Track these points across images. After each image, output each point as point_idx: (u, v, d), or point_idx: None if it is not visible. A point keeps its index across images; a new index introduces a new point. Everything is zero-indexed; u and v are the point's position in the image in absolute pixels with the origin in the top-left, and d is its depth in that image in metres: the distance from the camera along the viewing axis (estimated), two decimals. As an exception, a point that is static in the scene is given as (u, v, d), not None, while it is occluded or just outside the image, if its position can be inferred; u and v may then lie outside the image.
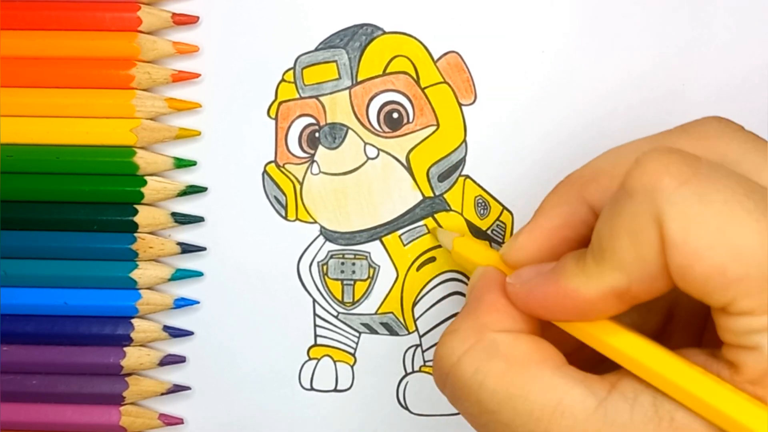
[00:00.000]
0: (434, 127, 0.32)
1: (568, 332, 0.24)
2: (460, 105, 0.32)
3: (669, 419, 0.21)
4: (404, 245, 0.32)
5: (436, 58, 0.32)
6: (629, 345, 0.22)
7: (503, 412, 0.23)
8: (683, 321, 0.26)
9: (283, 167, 0.32)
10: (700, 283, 0.20)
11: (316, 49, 0.32)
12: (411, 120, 0.32)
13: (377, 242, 0.32)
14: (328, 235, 0.32)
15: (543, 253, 0.25)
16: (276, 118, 0.32)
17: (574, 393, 0.22)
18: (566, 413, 0.22)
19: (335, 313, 0.33)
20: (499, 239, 0.32)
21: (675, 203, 0.20)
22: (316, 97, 0.32)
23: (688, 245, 0.20)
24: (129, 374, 0.32)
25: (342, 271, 0.32)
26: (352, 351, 0.33)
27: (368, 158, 0.32)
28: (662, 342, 0.23)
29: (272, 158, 0.32)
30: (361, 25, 0.32)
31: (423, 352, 0.33)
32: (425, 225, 0.32)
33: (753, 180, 0.22)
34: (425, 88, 0.32)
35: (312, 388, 0.33)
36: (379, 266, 0.32)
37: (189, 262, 0.33)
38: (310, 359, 0.33)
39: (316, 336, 0.33)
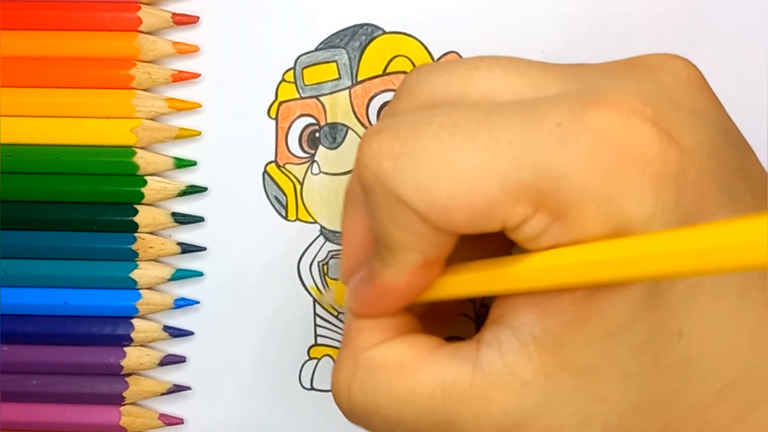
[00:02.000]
0: (434, 127, 0.32)
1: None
2: (460, 105, 0.32)
3: (531, 340, 0.21)
4: None
5: (436, 58, 0.32)
6: (461, 280, 0.23)
7: (406, 419, 0.23)
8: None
9: (284, 167, 0.32)
10: (468, 226, 0.21)
11: (316, 49, 0.32)
12: (411, 120, 0.32)
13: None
14: (328, 235, 0.32)
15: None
16: (276, 118, 0.32)
17: (451, 369, 0.22)
18: (452, 391, 0.22)
19: (335, 313, 0.33)
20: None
21: (402, 181, 0.21)
22: (317, 97, 0.32)
23: (435, 206, 0.21)
24: (129, 374, 0.32)
25: (342, 271, 0.32)
26: (352, 351, 0.33)
27: (368, 158, 0.32)
28: None
29: (272, 158, 0.32)
30: (361, 25, 0.32)
31: (423, 352, 0.33)
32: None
33: (461, 105, 0.22)
34: (425, 88, 0.32)
35: (312, 388, 0.33)
36: (379, 266, 0.32)
37: (189, 262, 0.33)
38: (310, 359, 0.33)
39: (316, 336, 0.33)
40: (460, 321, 0.29)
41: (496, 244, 0.26)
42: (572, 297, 0.21)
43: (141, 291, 0.32)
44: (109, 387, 0.32)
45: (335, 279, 0.32)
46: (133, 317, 0.32)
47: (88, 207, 0.32)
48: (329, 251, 0.32)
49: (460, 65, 0.24)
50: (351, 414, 0.24)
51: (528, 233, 0.21)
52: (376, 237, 0.24)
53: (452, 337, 0.25)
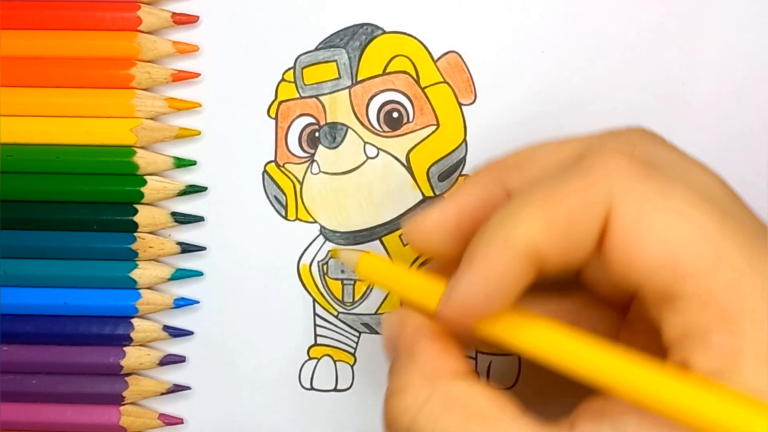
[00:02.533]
0: (434, 127, 0.32)
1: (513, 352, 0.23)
2: (460, 105, 0.32)
3: None
4: (404, 245, 0.32)
5: (436, 58, 0.32)
6: (563, 344, 0.22)
7: None
8: (597, 311, 0.26)
9: (283, 167, 0.32)
10: (648, 268, 0.21)
11: (316, 49, 0.32)
12: (411, 120, 0.32)
13: (377, 242, 0.32)
14: (328, 234, 0.32)
15: (449, 231, 0.25)
16: (276, 118, 0.32)
17: None
18: None
19: (335, 313, 0.33)
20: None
21: (634, 191, 0.21)
22: (316, 96, 0.32)
23: (643, 230, 0.21)
24: (129, 374, 0.32)
25: (342, 271, 0.32)
26: (352, 351, 0.33)
27: (368, 158, 0.32)
28: None
29: (272, 158, 0.32)
30: (361, 25, 0.32)
31: (423, 351, 0.32)
32: (329, 252, 0.32)
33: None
34: (425, 87, 0.32)
35: (312, 388, 0.33)
36: (379, 266, 0.32)
37: (189, 262, 0.33)
38: (310, 359, 0.33)
39: (316, 336, 0.33)
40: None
41: (607, 322, 0.26)
42: None
43: (141, 291, 0.32)
44: (109, 387, 0.32)
45: (336, 279, 0.32)
46: (133, 317, 0.32)
47: (88, 207, 0.32)
48: (329, 251, 0.32)
49: (688, 156, 0.24)
50: None
51: (690, 320, 0.21)
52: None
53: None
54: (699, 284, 0.20)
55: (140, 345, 0.32)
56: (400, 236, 0.32)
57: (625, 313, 0.26)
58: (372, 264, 0.27)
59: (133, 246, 0.32)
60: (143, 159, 0.32)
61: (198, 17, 0.32)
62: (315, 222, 0.32)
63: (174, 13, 0.32)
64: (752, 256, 0.21)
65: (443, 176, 0.32)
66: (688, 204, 0.21)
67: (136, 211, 0.32)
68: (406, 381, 0.23)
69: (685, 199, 0.21)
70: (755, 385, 0.20)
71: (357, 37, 0.32)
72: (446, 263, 0.25)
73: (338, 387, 0.33)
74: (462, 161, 0.32)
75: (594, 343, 0.22)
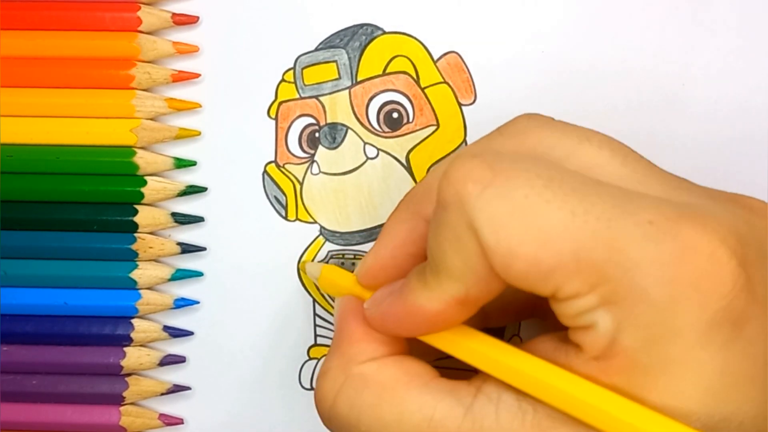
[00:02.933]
0: (434, 127, 0.32)
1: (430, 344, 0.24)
2: (460, 105, 0.32)
3: (532, 412, 0.22)
4: None
5: (436, 58, 0.32)
6: (478, 347, 0.23)
7: None
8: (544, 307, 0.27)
9: (283, 167, 0.32)
10: (522, 279, 0.21)
11: (316, 49, 0.32)
12: (411, 120, 0.32)
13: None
14: (328, 235, 0.32)
15: (390, 271, 0.26)
16: (276, 118, 0.32)
17: (443, 406, 0.23)
18: (438, 427, 0.22)
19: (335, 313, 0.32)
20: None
21: (481, 208, 0.21)
22: (316, 97, 0.32)
23: (501, 246, 0.21)
24: (129, 374, 0.32)
25: (342, 271, 0.32)
26: (352, 351, 0.33)
27: (368, 158, 0.32)
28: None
29: (272, 158, 0.32)
30: (361, 25, 0.32)
31: (423, 352, 0.33)
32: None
33: (562, 165, 0.22)
34: (425, 88, 0.32)
35: (312, 388, 0.33)
36: (379, 266, 0.32)
37: (189, 262, 0.33)
38: (310, 359, 0.33)
39: (316, 336, 0.33)
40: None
41: (515, 309, 0.26)
42: None
43: (141, 291, 0.32)
44: (109, 387, 0.32)
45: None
46: (133, 317, 0.32)
47: (88, 207, 0.32)
48: (329, 251, 0.32)
49: (574, 130, 0.24)
50: (330, 421, 0.25)
51: (573, 308, 0.21)
52: (423, 247, 0.24)
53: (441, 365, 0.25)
54: (570, 281, 0.21)
55: (140, 345, 0.32)
56: (400, 236, 0.32)
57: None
58: (330, 274, 0.29)
59: (133, 246, 0.32)
60: (143, 159, 0.32)
61: (198, 17, 0.32)
62: (315, 222, 0.32)
63: (174, 14, 0.32)
64: (613, 229, 0.20)
65: (443, 176, 0.32)
66: (533, 200, 0.21)
67: (136, 212, 0.32)
68: (329, 364, 0.25)
69: (530, 195, 0.21)
70: (633, 359, 0.21)
71: (357, 38, 0.32)
72: None
73: (338, 387, 0.33)
74: (462, 161, 0.32)
75: (481, 339, 0.23)
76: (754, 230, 0.22)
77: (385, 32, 0.32)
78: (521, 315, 0.29)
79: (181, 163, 0.32)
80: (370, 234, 0.32)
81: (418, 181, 0.32)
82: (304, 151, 0.32)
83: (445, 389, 0.23)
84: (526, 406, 0.22)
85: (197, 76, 0.32)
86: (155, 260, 0.32)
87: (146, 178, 0.32)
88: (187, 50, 0.32)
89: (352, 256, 0.32)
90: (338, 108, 0.32)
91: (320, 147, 0.32)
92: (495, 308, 0.24)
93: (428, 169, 0.32)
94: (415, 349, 0.25)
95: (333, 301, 0.32)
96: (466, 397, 0.23)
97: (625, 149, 0.24)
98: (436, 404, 0.23)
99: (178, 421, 0.33)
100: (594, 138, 0.24)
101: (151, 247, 0.32)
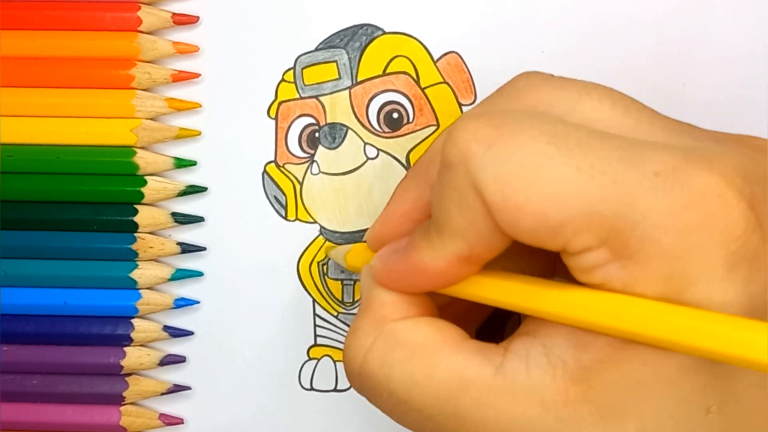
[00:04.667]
0: (434, 127, 0.32)
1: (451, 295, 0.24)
2: (460, 105, 0.32)
3: (561, 365, 0.21)
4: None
5: (436, 58, 0.32)
6: (498, 286, 0.23)
7: (413, 399, 0.23)
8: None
9: (283, 167, 0.32)
10: (531, 235, 0.21)
11: (316, 49, 0.32)
12: (411, 120, 0.32)
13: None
14: (328, 235, 0.32)
15: (397, 237, 0.26)
16: (276, 118, 0.32)
17: (473, 365, 0.23)
18: (469, 386, 0.22)
19: (335, 313, 0.33)
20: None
21: (486, 167, 0.21)
22: (316, 97, 0.32)
23: (508, 203, 0.21)
24: (129, 374, 0.32)
25: (342, 271, 0.32)
26: (352, 351, 0.33)
27: (368, 158, 0.32)
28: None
29: (272, 158, 0.32)
30: (361, 25, 0.32)
31: (423, 352, 0.33)
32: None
33: (564, 120, 0.22)
34: (425, 88, 0.32)
35: (312, 388, 0.33)
36: (379, 266, 0.32)
37: (189, 262, 0.33)
38: (310, 359, 0.33)
39: (316, 336, 0.33)
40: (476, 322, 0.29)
41: (538, 266, 0.26)
42: (611, 339, 0.21)
43: (141, 291, 0.32)
44: (109, 387, 0.32)
45: (335, 279, 0.32)
46: (133, 317, 0.32)
47: (88, 207, 0.32)
48: (325, 250, 0.32)
49: (573, 85, 0.24)
50: (359, 378, 0.24)
51: (585, 263, 0.21)
52: (430, 214, 0.24)
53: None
54: (579, 235, 0.21)
55: (140, 345, 0.32)
56: (400, 236, 0.32)
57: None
58: (356, 253, 0.29)
59: (134, 246, 0.32)
60: (143, 159, 0.32)
61: (198, 17, 0.32)
62: (315, 222, 0.32)
63: (174, 14, 0.32)
64: (620, 182, 0.20)
65: (443, 176, 0.32)
66: (539, 157, 0.21)
67: (136, 212, 0.32)
68: (359, 324, 0.25)
69: (535, 152, 0.21)
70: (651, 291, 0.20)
71: (357, 38, 0.32)
72: None
73: (338, 387, 0.33)
74: (462, 161, 0.32)
75: (519, 278, 0.23)
76: (761, 169, 0.22)
77: (385, 32, 0.32)
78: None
79: (181, 163, 0.32)
80: (370, 234, 0.32)
81: (418, 181, 0.32)
82: (304, 151, 0.32)
83: (476, 349, 0.23)
84: (555, 359, 0.22)
85: (197, 76, 0.32)
86: (155, 260, 0.32)
87: (146, 178, 0.32)
88: (187, 50, 0.32)
89: (352, 256, 0.32)
90: (338, 108, 0.32)
91: (320, 147, 0.32)
92: (505, 266, 0.24)
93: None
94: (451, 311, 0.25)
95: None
96: (496, 357, 0.22)
97: (626, 99, 0.24)
98: (467, 363, 0.23)
99: (178, 421, 0.33)
100: (594, 91, 0.24)
101: (151, 247, 0.32)
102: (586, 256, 0.21)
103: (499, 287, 0.23)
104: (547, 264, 0.26)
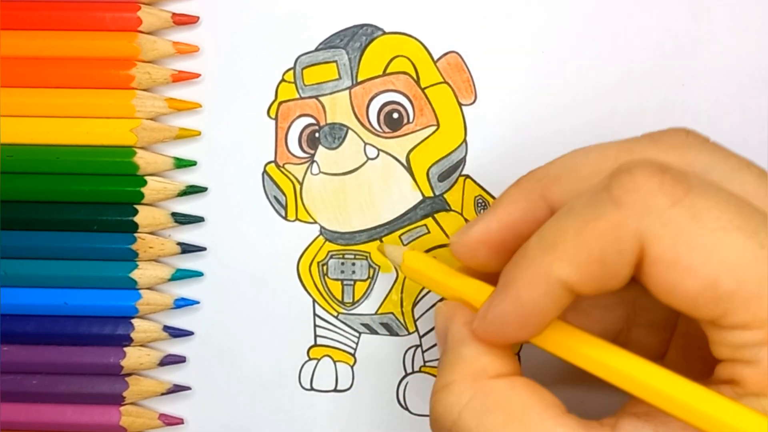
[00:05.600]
0: (434, 127, 0.32)
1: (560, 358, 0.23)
2: (460, 105, 0.32)
3: None
4: (404, 245, 0.32)
5: (436, 58, 0.32)
6: (624, 362, 0.22)
7: None
8: (645, 324, 0.26)
9: (283, 167, 0.32)
10: (691, 299, 0.21)
11: (316, 49, 0.32)
12: (411, 120, 0.32)
13: (377, 242, 0.32)
14: (328, 235, 0.32)
15: (492, 246, 0.25)
16: (276, 118, 0.32)
17: None
18: None
19: (335, 313, 0.33)
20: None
21: (667, 223, 0.21)
22: (316, 97, 0.32)
23: (680, 263, 0.20)
24: (129, 374, 0.32)
25: (342, 272, 0.32)
26: (352, 351, 0.33)
27: (368, 158, 0.32)
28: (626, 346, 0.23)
29: (272, 158, 0.32)
30: (361, 26, 0.32)
31: (423, 352, 0.33)
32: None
33: (741, 198, 0.22)
34: (425, 88, 0.32)
35: (312, 388, 0.33)
36: (379, 266, 0.32)
37: (189, 262, 0.33)
38: (310, 359, 0.33)
39: (316, 336, 0.33)
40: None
41: (609, 322, 0.26)
42: None
43: (141, 291, 0.32)
44: (109, 387, 0.32)
45: (335, 279, 0.32)
46: (133, 317, 0.32)
47: (88, 207, 0.32)
48: (329, 251, 0.32)
49: (734, 156, 0.24)
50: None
51: (737, 339, 0.21)
52: (533, 232, 0.23)
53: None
54: (745, 310, 0.20)
55: (140, 345, 0.32)
56: (400, 236, 0.32)
57: (673, 327, 0.26)
58: (416, 262, 0.28)
59: (134, 246, 0.32)
60: (143, 159, 0.32)
61: (198, 17, 0.32)
62: (315, 222, 0.32)
63: (174, 14, 0.32)
64: None
65: (443, 176, 0.32)
66: (724, 224, 0.21)
67: (136, 212, 0.32)
68: (452, 379, 0.24)
69: (721, 218, 0.21)
70: None
71: (357, 38, 0.32)
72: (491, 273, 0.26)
73: (338, 387, 0.33)
74: (462, 161, 0.32)
75: (629, 357, 0.22)
76: None
77: (385, 32, 0.32)
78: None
79: (181, 163, 0.32)
80: (371, 234, 0.32)
81: (418, 181, 0.32)
82: (304, 151, 0.32)
83: (578, 426, 0.22)
84: None
85: (197, 76, 0.32)
86: (155, 260, 0.32)
87: (146, 178, 0.32)
88: (187, 50, 0.32)
89: (352, 256, 0.32)
90: (338, 108, 0.32)
91: (320, 147, 0.32)
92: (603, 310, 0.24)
93: (428, 170, 0.32)
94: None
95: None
96: None
97: None
98: None
99: (178, 421, 0.33)
100: (754, 167, 0.23)
101: (151, 247, 0.32)
102: (741, 332, 0.21)
103: (621, 361, 0.22)
104: (617, 323, 0.26)
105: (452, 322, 0.25)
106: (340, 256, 0.32)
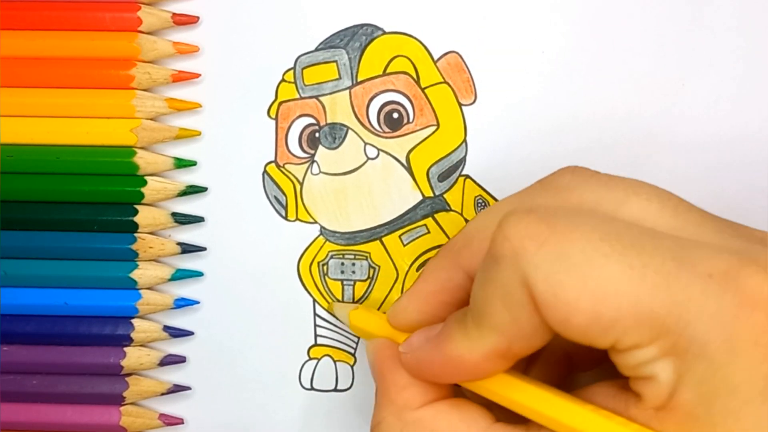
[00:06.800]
0: (434, 127, 0.32)
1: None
2: (460, 105, 0.32)
3: None
4: (404, 245, 0.32)
5: (436, 58, 0.32)
6: (526, 396, 0.23)
7: None
8: (585, 359, 0.27)
9: (283, 167, 0.32)
10: (581, 333, 0.21)
11: (316, 49, 0.32)
12: (411, 120, 0.32)
13: (377, 242, 0.32)
14: (328, 235, 0.32)
15: (423, 316, 0.26)
16: (276, 118, 0.32)
17: None
18: None
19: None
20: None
21: (538, 265, 0.21)
22: (317, 97, 0.32)
23: (559, 301, 0.21)
24: (129, 374, 0.32)
25: (342, 272, 0.32)
26: (352, 351, 0.33)
27: (368, 158, 0.32)
28: (575, 380, 0.24)
29: (272, 158, 0.32)
30: (361, 25, 0.32)
31: (423, 352, 0.33)
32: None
33: (615, 219, 0.22)
34: (425, 88, 0.32)
35: (312, 388, 0.33)
36: (378, 267, 0.32)
37: (189, 262, 0.33)
38: (310, 359, 0.33)
39: (316, 336, 0.33)
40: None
41: (556, 363, 0.27)
42: None
43: (141, 291, 0.32)
44: (109, 387, 0.32)
45: (335, 279, 0.32)
46: (133, 317, 0.32)
47: (88, 207, 0.32)
48: (329, 251, 0.32)
49: (620, 183, 0.24)
50: None
51: (633, 360, 0.21)
52: (458, 297, 0.24)
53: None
54: (632, 332, 0.21)
55: (140, 345, 0.32)
56: (400, 236, 0.32)
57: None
58: (361, 320, 0.29)
59: (134, 246, 0.32)
60: (143, 159, 0.32)
61: (198, 17, 0.32)
62: (315, 222, 0.32)
63: (174, 14, 0.32)
64: (672, 282, 0.20)
65: (443, 176, 0.32)
66: (590, 255, 0.21)
67: (136, 212, 0.32)
68: (382, 416, 0.25)
69: (586, 250, 0.21)
70: (692, 412, 0.21)
71: (357, 38, 0.32)
72: None
73: (338, 387, 0.33)
74: (462, 161, 0.32)
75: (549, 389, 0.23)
76: None
77: (385, 32, 0.32)
78: (576, 367, 0.28)
79: (181, 163, 0.32)
80: (371, 234, 0.32)
81: (418, 181, 0.32)
82: (304, 151, 0.32)
83: (508, 429, 0.23)
84: None
85: (197, 76, 0.32)
86: (155, 260, 0.32)
87: (146, 178, 0.32)
88: (187, 50, 0.32)
89: (352, 257, 0.32)
90: (338, 108, 0.32)
91: (320, 147, 0.32)
92: (550, 361, 0.25)
93: (428, 170, 0.32)
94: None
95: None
96: None
97: (675, 199, 0.24)
98: None
99: (178, 421, 0.33)
100: (641, 190, 0.24)
101: (151, 247, 0.32)
102: (635, 353, 0.21)
103: (510, 396, 0.23)
104: (562, 367, 0.27)
105: (377, 356, 0.26)
106: (340, 256, 0.32)
